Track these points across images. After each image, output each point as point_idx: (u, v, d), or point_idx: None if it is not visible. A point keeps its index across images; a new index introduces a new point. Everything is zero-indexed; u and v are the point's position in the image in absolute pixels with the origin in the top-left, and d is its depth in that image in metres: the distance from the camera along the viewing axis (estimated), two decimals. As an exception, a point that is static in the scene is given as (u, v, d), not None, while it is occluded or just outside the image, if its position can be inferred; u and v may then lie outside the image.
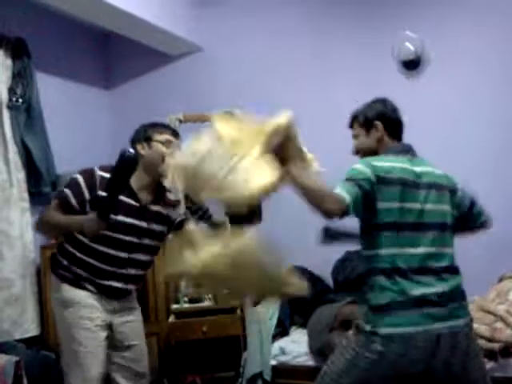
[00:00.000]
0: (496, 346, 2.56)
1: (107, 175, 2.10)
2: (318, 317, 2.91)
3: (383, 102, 2.13)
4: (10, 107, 3.32)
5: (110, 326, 2.22)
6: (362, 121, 2.06)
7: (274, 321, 3.04)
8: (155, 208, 2.24)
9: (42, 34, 3.59)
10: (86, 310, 2.15)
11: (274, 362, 2.94)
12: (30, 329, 3.21)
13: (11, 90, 3.34)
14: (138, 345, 2.31)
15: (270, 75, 3.78)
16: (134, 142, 2.24)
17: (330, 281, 3.32)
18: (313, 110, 3.68)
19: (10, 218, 3.23)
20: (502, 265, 3.10)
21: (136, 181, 2.17)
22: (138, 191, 2.19)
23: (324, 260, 3.25)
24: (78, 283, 2.17)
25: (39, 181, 3.41)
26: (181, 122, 3.84)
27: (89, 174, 2.14)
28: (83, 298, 2.16)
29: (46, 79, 3.54)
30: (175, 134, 2.25)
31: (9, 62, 3.33)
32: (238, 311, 3.29)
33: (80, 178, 2.13)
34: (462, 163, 3.27)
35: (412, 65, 3.47)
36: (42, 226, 2.23)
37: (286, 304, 3.15)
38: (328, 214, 1.68)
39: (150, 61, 4.10)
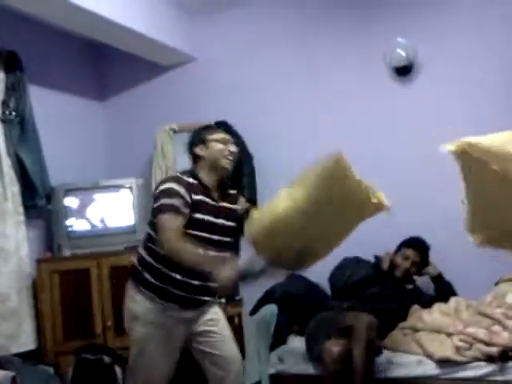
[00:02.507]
0: (494, 350, 2.55)
1: (191, 180, 2.21)
2: (316, 324, 2.90)
3: None
4: (3, 120, 3.32)
5: (187, 340, 2.28)
6: None
7: (272, 329, 3.02)
8: (224, 204, 2.31)
9: (34, 47, 3.59)
10: (151, 327, 2.19)
11: (272, 371, 2.93)
12: (27, 343, 3.19)
13: (4, 104, 3.34)
14: (224, 342, 2.32)
15: (263, 83, 3.80)
16: (191, 146, 2.31)
17: (327, 288, 3.31)
18: (305, 116, 3.70)
19: (6, 232, 3.21)
20: (499, 268, 3.11)
21: (206, 180, 2.26)
22: (210, 190, 2.26)
23: (321, 267, 3.23)
24: (155, 291, 2.19)
25: (34, 194, 3.40)
26: (175, 131, 3.84)
27: (181, 181, 2.19)
28: (151, 314, 2.19)
29: (39, 92, 3.54)
30: (226, 132, 2.37)
31: (1, 75, 3.33)
32: (236, 320, 3.28)
33: (176, 186, 2.15)
34: (455, 169, 3.27)
35: (404, 71, 3.49)
36: (172, 254, 2.10)
37: (283, 312, 3.13)
38: None
39: (143, 72, 4.11)
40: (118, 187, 3.54)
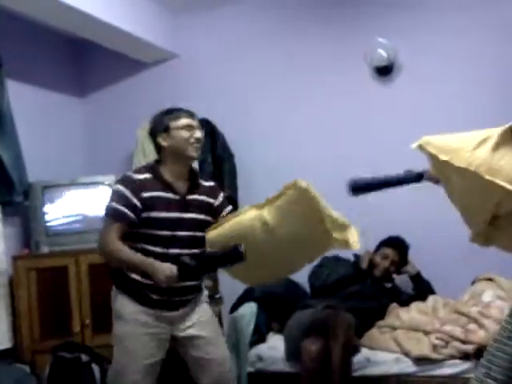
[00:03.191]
0: (470, 347, 2.59)
1: (143, 176, 2.11)
2: (294, 322, 2.91)
3: None
4: (-20, 115, 3.26)
5: (172, 338, 2.21)
6: None
7: (251, 327, 3.02)
8: (195, 197, 2.19)
9: (13, 42, 3.53)
10: (132, 326, 2.14)
11: (250, 369, 2.93)
12: (3, 341, 3.13)
13: (-19, 98, 3.28)
14: (213, 345, 2.23)
15: (244, 81, 3.79)
16: (154, 135, 2.18)
17: (306, 286, 3.32)
18: (287, 115, 3.70)
19: (-19, 228, 3.17)
20: (476, 267, 3.15)
21: (168, 173, 2.15)
22: (173, 183, 2.15)
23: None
24: (134, 295, 2.14)
25: (11, 190, 3.34)
26: (156, 129, 3.81)
27: (128, 181, 2.11)
28: (133, 313, 2.14)
29: (17, 87, 3.48)
30: (191, 115, 2.18)
31: (-21, 69, 3.28)
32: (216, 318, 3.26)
33: (122, 188, 2.09)
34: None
35: (385, 71, 3.51)
36: (106, 256, 2.13)
37: (263, 310, 3.14)
38: None
39: (124, 68, 4.07)
40: (97, 184, 3.50)
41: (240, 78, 3.82)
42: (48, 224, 3.40)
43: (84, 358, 2.91)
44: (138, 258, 2.06)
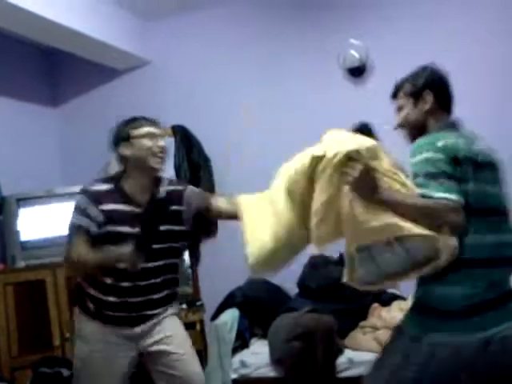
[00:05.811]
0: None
1: (103, 187, 2.05)
2: (277, 327, 2.90)
3: (431, 69, 1.85)
4: (-51, 129, 3.19)
5: (138, 355, 2.14)
6: (409, 91, 1.83)
7: (234, 333, 3.00)
8: (157, 207, 2.09)
9: (-17, 53, 3.49)
10: (94, 345, 2.08)
11: (234, 376, 2.91)
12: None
13: (-50, 111, 3.21)
14: (181, 361, 2.15)
15: (218, 85, 3.78)
16: (116, 145, 2.08)
17: (288, 289, 3.31)
18: (262, 119, 3.69)
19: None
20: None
21: (130, 184, 2.06)
22: (134, 195, 2.06)
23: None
24: (93, 313, 2.09)
25: (-16, 204, 3.29)
26: (131, 136, 3.78)
27: (86, 192, 2.05)
28: (95, 333, 2.09)
29: (-12, 99, 3.44)
30: (154, 123, 2.09)
31: None
32: (198, 326, 3.25)
33: (80, 200, 2.05)
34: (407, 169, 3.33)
35: (357, 72, 3.53)
36: (72, 267, 2.12)
37: (245, 316, 3.12)
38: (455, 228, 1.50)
39: (97, 76, 4.04)
40: (74, 195, 3.42)
41: (213, 82, 3.81)
42: (23, 237, 3.34)
43: (65, 372, 2.86)
44: (100, 255, 1.99)
